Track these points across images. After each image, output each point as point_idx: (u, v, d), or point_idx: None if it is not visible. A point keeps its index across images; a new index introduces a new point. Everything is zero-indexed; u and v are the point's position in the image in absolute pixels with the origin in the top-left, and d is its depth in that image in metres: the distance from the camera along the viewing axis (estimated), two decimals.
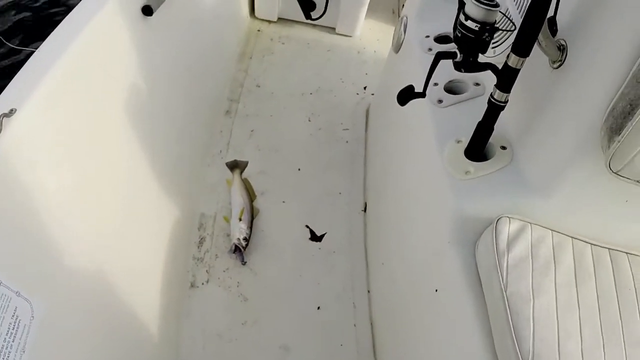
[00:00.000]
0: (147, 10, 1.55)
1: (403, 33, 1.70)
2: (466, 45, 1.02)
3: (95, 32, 1.38)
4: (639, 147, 0.76)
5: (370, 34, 2.74)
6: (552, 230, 1.00)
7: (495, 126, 1.06)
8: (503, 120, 1.08)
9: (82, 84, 1.32)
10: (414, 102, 1.31)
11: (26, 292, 0.99)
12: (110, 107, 1.47)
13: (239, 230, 1.73)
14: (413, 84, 1.14)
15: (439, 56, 1.07)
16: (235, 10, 2.64)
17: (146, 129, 1.65)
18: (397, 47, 1.75)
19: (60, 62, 1.25)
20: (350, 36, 2.73)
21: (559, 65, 0.97)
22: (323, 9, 2.59)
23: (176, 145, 1.88)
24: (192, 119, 2.04)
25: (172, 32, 1.80)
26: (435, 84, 1.32)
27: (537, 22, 0.86)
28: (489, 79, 1.25)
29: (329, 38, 2.70)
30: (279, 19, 2.77)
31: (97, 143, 1.38)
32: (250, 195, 1.89)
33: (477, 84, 1.29)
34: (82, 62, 1.33)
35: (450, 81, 1.33)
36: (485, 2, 0.96)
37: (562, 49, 0.96)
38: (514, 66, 0.92)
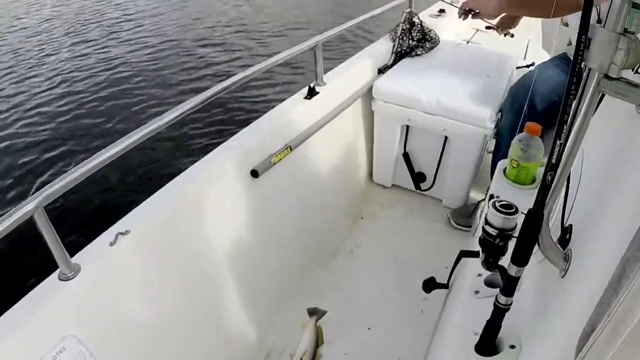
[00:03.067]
0: (254, 173, 1.86)
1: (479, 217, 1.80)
2: (486, 246, 1.11)
3: (209, 183, 1.72)
4: None
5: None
6: None
7: (512, 324, 1.11)
8: (520, 318, 1.13)
9: (189, 221, 1.67)
10: (456, 289, 1.39)
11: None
12: (210, 246, 1.79)
13: None
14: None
15: (462, 254, 1.17)
16: (355, 174, 2.94)
17: (243, 263, 1.96)
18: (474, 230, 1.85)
19: (175, 201, 1.59)
20: None
21: (564, 275, 1.02)
22: (432, 182, 2.77)
23: (269, 281, 2.15)
24: (289, 264, 2.31)
25: (278, 192, 2.11)
26: (479, 275, 1.39)
27: (532, 235, 0.94)
28: (530, 272, 1.30)
29: (434, 210, 2.82)
30: (393, 185, 2.99)
31: (192, 270, 1.72)
32: (318, 341, 2.02)
33: None
34: (193, 204, 1.68)
35: (492, 274, 1.39)
36: (503, 210, 1.07)
37: (567, 258, 1.02)
38: (513, 274, 1.00)
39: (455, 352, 1.20)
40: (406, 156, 2.77)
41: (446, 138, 2.57)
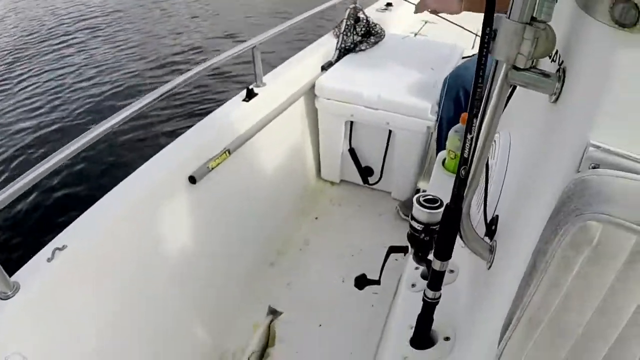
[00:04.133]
0: (192, 179, 1.83)
1: None
2: (413, 241, 1.11)
3: (146, 192, 1.68)
4: None
5: None
6: None
7: (449, 315, 1.11)
8: (455, 309, 1.13)
9: (128, 233, 1.63)
10: (401, 282, 1.39)
11: None
12: (153, 256, 1.77)
13: None
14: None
15: (391, 250, 1.17)
16: (302, 172, 2.93)
17: (188, 271, 1.94)
18: None
19: (112, 213, 1.56)
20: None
21: (490, 266, 1.03)
22: (379, 176, 2.78)
23: (218, 285, 2.13)
24: (238, 267, 2.29)
25: (219, 196, 2.07)
26: (417, 268, 1.39)
27: (451, 230, 0.95)
28: (464, 264, 1.31)
29: (384, 202, 2.83)
30: (342, 181, 2.99)
31: (135, 281, 1.68)
32: (268, 342, 2.02)
33: (452, 271, 1.34)
34: (131, 215, 1.64)
35: None
36: (427, 205, 1.07)
37: (492, 250, 1.03)
38: (437, 269, 1.00)
39: (394, 347, 1.20)
40: (352, 152, 2.77)
41: (390, 131, 2.58)
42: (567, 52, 0.84)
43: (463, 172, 0.87)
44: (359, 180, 2.89)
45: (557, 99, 0.84)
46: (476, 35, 3.48)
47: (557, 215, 0.69)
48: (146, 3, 9.67)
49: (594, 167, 0.71)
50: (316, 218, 2.75)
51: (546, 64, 0.94)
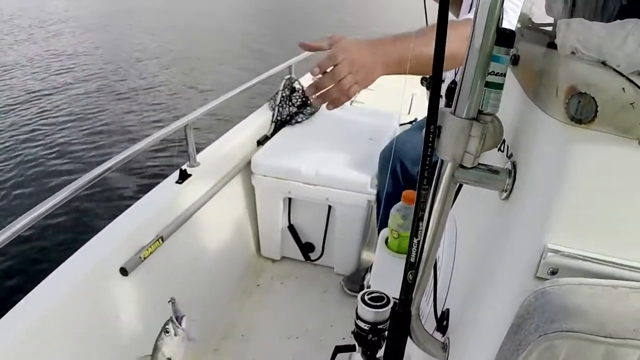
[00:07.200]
0: (124, 271, 1.71)
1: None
2: (360, 341, 1.03)
3: (74, 289, 1.55)
4: None
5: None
6: None
7: None
8: None
9: (56, 335, 1.49)
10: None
11: None
12: (85, 355, 1.61)
13: None
14: None
15: (337, 350, 1.09)
16: (241, 251, 2.81)
17: None
18: None
19: (38, 313, 1.43)
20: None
21: None
22: (321, 251, 2.71)
23: None
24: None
25: (153, 286, 1.93)
26: None
27: (401, 335, 0.88)
28: (416, 352, 1.24)
29: (327, 278, 2.75)
30: (283, 257, 2.89)
31: None
32: None
33: None
34: (58, 315, 1.50)
35: None
36: (372, 304, 1.00)
37: (445, 347, 0.96)
38: None
39: None
40: (292, 228, 2.70)
41: (330, 207, 2.53)
42: (516, 145, 0.80)
43: (410, 277, 0.81)
44: (300, 257, 2.81)
45: (508, 195, 0.80)
46: (412, 99, 3.53)
47: (518, 333, 0.63)
48: None
49: (552, 272, 0.67)
50: (252, 295, 2.63)
51: (493, 154, 0.90)
